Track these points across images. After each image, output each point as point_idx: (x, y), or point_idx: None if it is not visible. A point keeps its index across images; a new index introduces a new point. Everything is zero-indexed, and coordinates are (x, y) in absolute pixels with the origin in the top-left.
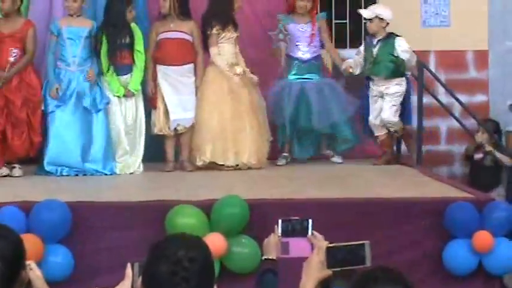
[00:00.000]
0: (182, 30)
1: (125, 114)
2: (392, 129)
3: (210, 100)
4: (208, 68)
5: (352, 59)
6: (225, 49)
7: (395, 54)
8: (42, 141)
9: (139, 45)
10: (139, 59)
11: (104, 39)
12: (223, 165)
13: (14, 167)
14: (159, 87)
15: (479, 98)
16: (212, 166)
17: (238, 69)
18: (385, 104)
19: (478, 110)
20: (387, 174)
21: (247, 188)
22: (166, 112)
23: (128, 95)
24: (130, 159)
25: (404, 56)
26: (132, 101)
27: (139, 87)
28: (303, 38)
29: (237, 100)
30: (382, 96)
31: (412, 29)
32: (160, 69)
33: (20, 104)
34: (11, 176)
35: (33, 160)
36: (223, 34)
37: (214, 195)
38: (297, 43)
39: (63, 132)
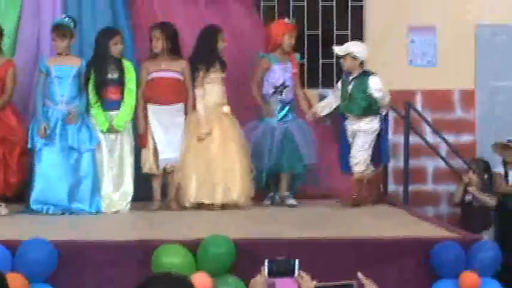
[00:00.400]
0: (174, 70)
1: (110, 149)
2: (356, 168)
3: (194, 138)
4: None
5: (328, 96)
6: (213, 89)
7: (369, 93)
8: (29, 179)
9: (131, 82)
10: (129, 96)
11: (93, 73)
12: (211, 204)
13: (0, 205)
14: (150, 126)
15: (466, 137)
16: (200, 206)
17: (226, 109)
18: (355, 141)
19: (465, 150)
20: (374, 214)
21: (233, 227)
22: (156, 151)
23: (111, 131)
24: (115, 196)
25: (377, 94)
26: (119, 137)
27: (125, 125)
28: (287, 79)
29: (225, 138)
30: (355, 135)
31: (399, 68)
32: (151, 108)
33: None
34: None
35: (20, 198)
36: (210, 75)
37: (200, 234)
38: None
39: (50, 171)
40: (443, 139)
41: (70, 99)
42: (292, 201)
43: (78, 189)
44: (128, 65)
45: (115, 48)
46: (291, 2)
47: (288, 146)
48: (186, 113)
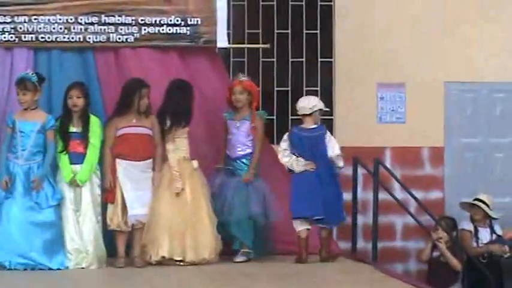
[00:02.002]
0: (145, 126)
1: (76, 203)
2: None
3: (167, 193)
4: (167, 161)
5: None
6: (181, 143)
7: None
8: None
9: (94, 138)
10: (91, 152)
11: (59, 126)
12: (180, 261)
13: None
14: (119, 181)
15: (435, 194)
16: (167, 262)
17: (195, 164)
18: None
19: (434, 207)
20: (342, 270)
21: (203, 285)
22: (124, 207)
23: (73, 184)
24: (81, 251)
25: None
26: (82, 191)
27: (87, 179)
28: (237, 136)
29: (196, 194)
30: None
31: (368, 125)
32: (121, 164)
33: None
34: None
35: None
36: (180, 130)
37: None
38: (232, 139)
39: (12, 226)
40: (412, 196)
41: (30, 155)
42: (240, 258)
43: (41, 245)
44: (94, 120)
45: (70, 101)
46: (261, 58)
47: (236, 201)
48: (153, 168)
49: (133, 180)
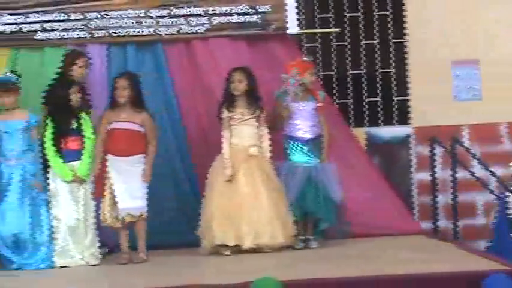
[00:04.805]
0: (134, 121)
1: (75, 200)
2: None
3: (219, 181)
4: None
5: None
6: (240, 131)
7: None
8: None
9: (88, 132)
10: (90, 146)
11: (50, 124)
12: (235, 246)
13: None
14: (108, 175)
15: None
16: (217, 250)
17: (252, 150)
18: None
19: None
20: (423, 249)
21: (277, 269)
22: (114, 203)
23: (76, 181)
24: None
25: None
26: (82, 190)
27: (89, 173)
28: (303, 117)
29: (250, 180)
30: None
31: (444, 103)
32: (109, 158)
33: None
34: None
35: None
36: (236, 116)
37: (243, 278)
38: (298, 122)
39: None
40: (492, 173)
41: (20, 153)
42: (314, 244)
43: (33, 245)
44: (84, 115)
45: (74, 97)
46: (333, 43)
47: (309, 190)
48: (145, 163)
49: (122, 174)
